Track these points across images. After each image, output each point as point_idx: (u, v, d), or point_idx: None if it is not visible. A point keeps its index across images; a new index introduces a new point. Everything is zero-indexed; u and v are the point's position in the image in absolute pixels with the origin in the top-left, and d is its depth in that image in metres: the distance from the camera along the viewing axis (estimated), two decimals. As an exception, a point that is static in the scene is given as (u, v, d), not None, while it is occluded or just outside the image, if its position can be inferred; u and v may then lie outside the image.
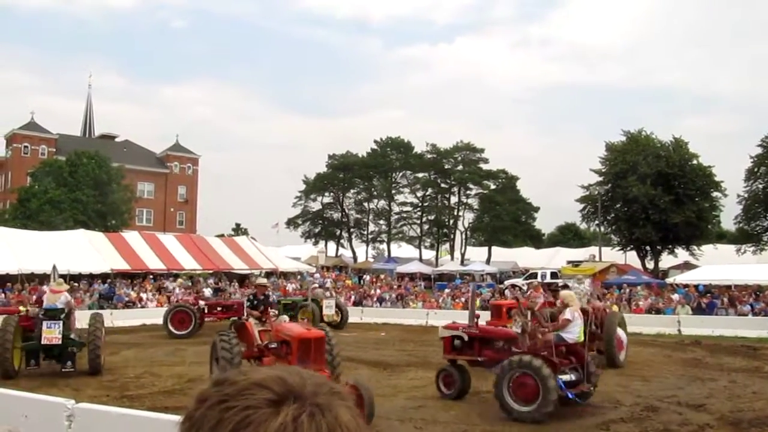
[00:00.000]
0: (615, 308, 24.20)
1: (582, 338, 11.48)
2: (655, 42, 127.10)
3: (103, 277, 35.68)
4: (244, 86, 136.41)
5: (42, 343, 14.26)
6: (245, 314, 12.97)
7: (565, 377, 10.70)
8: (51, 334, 14.27)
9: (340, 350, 12.57)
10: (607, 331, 15.62)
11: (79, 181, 51.00)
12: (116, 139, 77.18)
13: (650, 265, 51.79)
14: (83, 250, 36.35)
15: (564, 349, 11.15)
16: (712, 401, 11.75)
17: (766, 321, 24.33)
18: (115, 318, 27.87)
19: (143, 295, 33.72)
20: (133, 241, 40.06)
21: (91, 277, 35.37)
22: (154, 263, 38.49)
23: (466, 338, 12.51)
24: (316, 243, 68.81)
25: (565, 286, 19.11)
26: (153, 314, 27.35)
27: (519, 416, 10.27)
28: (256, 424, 0.81)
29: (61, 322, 14.45)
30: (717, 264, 41.95)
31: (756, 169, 48.48)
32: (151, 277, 38.16)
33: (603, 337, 15.51)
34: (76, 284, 34.12)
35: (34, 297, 20.29)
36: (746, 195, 49.09)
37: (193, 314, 23.79)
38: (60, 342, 14.38)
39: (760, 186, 48.61)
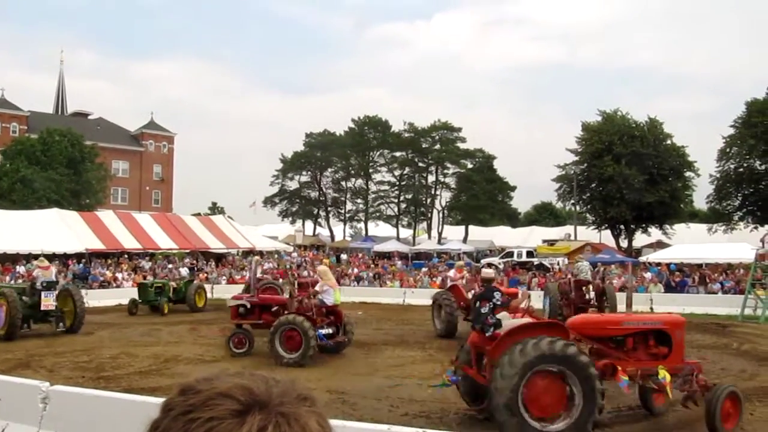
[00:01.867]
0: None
1: (339, 301, 14.59)
2: (631, 22, 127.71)
3: (78, 256, 35.33)
4: (221, 63, 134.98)
5: (42, 309, 17.30)
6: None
7: (324, 331, 13.68)
8: (48, 301, 17.37)
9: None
10: (612, 300, 19.31)
11: (52, 160, 50.17)
12: (90, 117, 75.94)
13: (624, 243, 52.51)
14: (57, 230, 35.90)
15: (324, 310, 14.14)
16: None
17: (736, 299, 24.84)
18: (90, 298, 27.49)
19: (118, 275, 33.48)
20: (107, 221, 39.61)
21: (66, 257, 35.00)
22: (130, 242, 38.15)
23: (248, 306, 14.90)
24: (293, 222, 68.70)
25: (489, 265, 22.16)
26: (129, 294, 27.13)
27: (287, 362, 12.91)
28: None
29: (55, 292, 17.68)
30: (689, 243, 42.66)
31: (728, 150, 49.16)
32: (127, 256, 37.85)
33: (610, 304, 19.09)
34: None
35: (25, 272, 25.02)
36: (718, 175, 49.83)
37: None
38: (54, 308, 17.52)
39: (732, 166, 49.35)
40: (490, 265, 40.41)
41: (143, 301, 24.62)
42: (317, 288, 14.30)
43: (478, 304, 9.15)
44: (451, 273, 19.99)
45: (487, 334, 8.74)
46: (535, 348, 7.69)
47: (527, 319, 9.07)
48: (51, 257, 34.22)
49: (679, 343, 9.01)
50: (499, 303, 9.05)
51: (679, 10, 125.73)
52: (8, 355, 14.50)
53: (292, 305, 14.07)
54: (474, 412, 9.12)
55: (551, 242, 50.22)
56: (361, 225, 68.89)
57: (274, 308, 14.89)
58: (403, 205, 66.40)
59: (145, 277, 30.82)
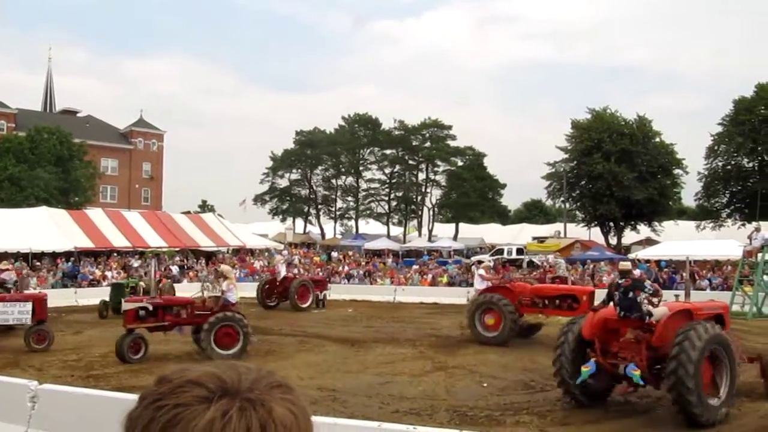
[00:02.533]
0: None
1: (238, 299, 15.13)
2: (620, 20, 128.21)
3: (67, 255, 35.11)
4: (211, 61, 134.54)
5: None
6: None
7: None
8: None
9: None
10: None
11: (41, 158, 49.80)
12: (78, 115, 75.37)
13: (613, 241, 52.76)
14: (46, 228, 35.66)
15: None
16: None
17: (723, 295, 24.97)
18: (79, 296, 27.51)
19: (108, 273, 33.29)
20: (97, 219, 39.37)
21: (54, 256, 34.77)
22: (119, 241, 37.94)
23: (151, 308, 14.27)
24: (283, 220, 68.53)
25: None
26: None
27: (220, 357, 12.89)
28: (185, 421, 0.81)
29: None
30: (677, 240, 42.93)
31: (716, 147, 49.52)
32: (116, 254, 37.66)
33: None
34: (38, 263, 33.59)
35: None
36: (706, 172, 50.22)
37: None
38: None
39: (720, 164, 49.73)
40: (480, 262, 40.57)
41: (116, 302, 21.73)
42: (223, 287, 14.57)
43: (631, 294, 9.68)
44: (481, 272, 19.39)
45: (646, 321, 9.60)
46: (707, 331, 8.90)
47: (682, 305, 10.60)
48: (40, 255, 34.20)
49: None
50: (650, 291, 10.01)
51: (668, 8, 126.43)
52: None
53: (217, 303, 14.46)
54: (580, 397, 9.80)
55: (541, 239, 50.38)
56: (352, 223, 68.87)
57: (179, 309, 14.73)
58: (394, 203, 66.40)
59: (129, 275, 29.05)
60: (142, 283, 23.47)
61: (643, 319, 9.55)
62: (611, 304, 9.95)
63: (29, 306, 15.25)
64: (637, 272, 31.41)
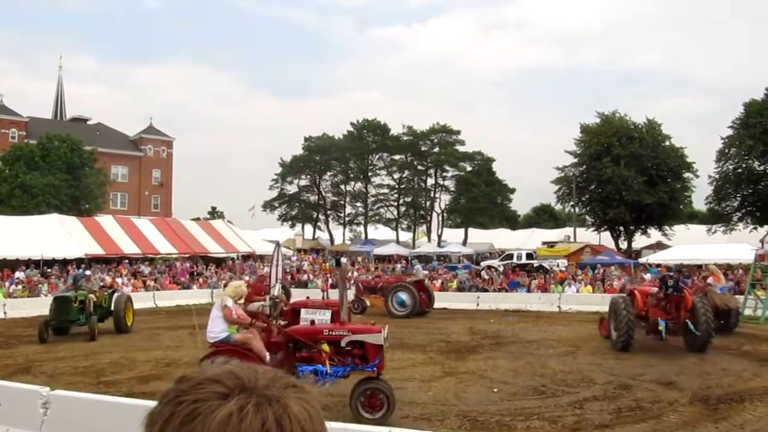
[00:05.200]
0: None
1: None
2: (629, 24, 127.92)
3: (78, 262, 35.27)
4: (219, 68, 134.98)
5: None
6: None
7: None
8: None
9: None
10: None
11: (51, 165, 50.10)
12: (89, 122, 75.83)
13: (624, 245, 52.51)
14: (57, 235, 35.87)
15: None
16: (682, 378, 12.01)
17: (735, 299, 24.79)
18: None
19: (118, 280, 33.40)
20: (107, 226, 39.60)
21: (65, 263, 34.96)
22: (129, 248, 38.12)
23: None
24: (292, 226, 68.61)
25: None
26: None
27: None
28: (203, 415, 0.84)
29: None
30: (688, 244, 42.66)
31: (727, 151, 49.21)
32: (126, 261, 37.82)
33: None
34: (49, 270, 33.76)
35: None
36: (717, 176, 49.89)
37: None
38: None
39: (731, 167, 49.40)
40: (490, 267, 40.57)
41: (61, 321, 18.40)
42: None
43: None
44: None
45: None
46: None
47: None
48: (51, 262, 34.38)
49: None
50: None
51: (677, 12, 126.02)
52: (8, 360, 14.49)
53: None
54: None
55: (551, 244, 50.22)
56: (361, 228, 68.89)
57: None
58: (403, 208, 66.38)
59: (78, 286, 20.19)
60: (91, 296, 19.23)
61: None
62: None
63: None
64: (648, 276, 31.34)
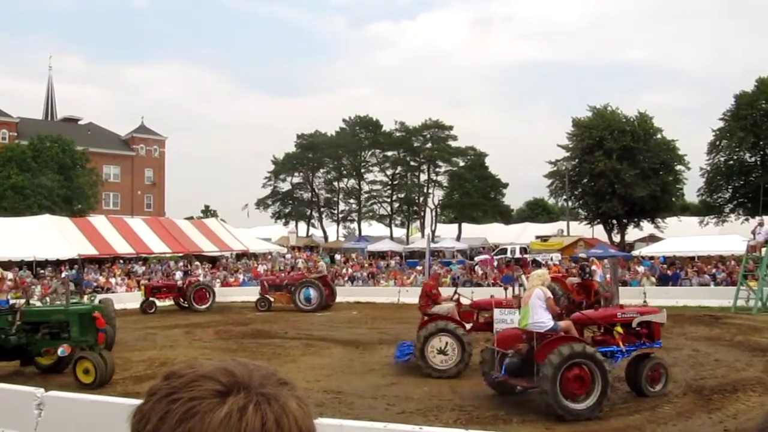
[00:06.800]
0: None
1: None
2: (617, 17, 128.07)
3: (71, 262, 35.16)
4: (210, 66, 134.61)
5: None
6: None
7: None
8: None
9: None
10: None
11: (43, 166, 49.87)
12: (80, 122, 75.50)
13: (617, 238, 52.68)
14: (49, 236, 35.69)
15: None
16: (676, 370, 12.07)
17: (728, 290, 24.96)
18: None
19: (112, 280, 33.36)
20: (100, 226, 39.42)
21: (58, 263, 34.84)
22: (123, 247, 37.98)
23: None
24: (286, 223, 68.57)
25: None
26: (122, 299, 27.06)
27: None
28: (201, 414, 0.83)
29: None
30: (681, 236, 42.82)
31: (718, 143, 49.42)
32: (120, 261, 37.73)
33: None
34: (42, 271, 33.65)
35: None
36: (708, 168, 50.11)
37: None
38: None
39: (722, 159, 49.63)
40: (482, 262, 40.63)
41: None
42: None
43: None
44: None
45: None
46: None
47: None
48: (44, 263, 34.26)
49: None
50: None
51: (665, 3, 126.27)
52: (2, 362, 14.42)
53: None
54: None
55: (544, 238, 50.32)
56: (355, 225, 68.93)
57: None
58: (396, 205, 66.43)
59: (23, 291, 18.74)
60: (38, 302, 17.21)
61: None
62: None
63: None
64: (640, 269, 31.51)
